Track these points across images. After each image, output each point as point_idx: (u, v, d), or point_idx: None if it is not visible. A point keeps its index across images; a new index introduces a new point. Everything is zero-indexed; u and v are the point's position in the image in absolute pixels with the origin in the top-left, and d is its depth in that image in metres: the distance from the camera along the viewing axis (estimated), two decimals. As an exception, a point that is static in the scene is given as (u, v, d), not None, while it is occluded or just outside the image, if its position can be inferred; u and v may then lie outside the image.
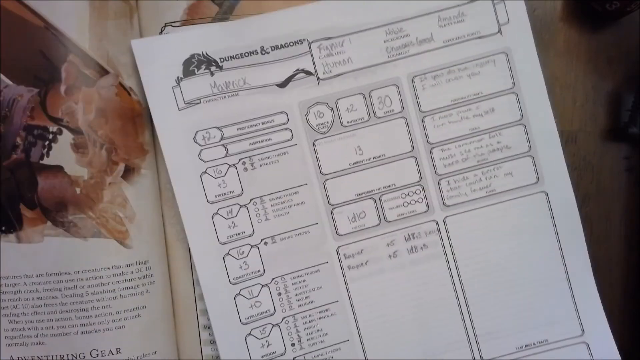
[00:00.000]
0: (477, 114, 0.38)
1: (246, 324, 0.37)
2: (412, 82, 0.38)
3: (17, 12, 0.35)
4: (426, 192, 0.38)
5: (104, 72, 0.36)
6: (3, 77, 0.35)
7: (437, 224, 0.39)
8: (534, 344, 0.39)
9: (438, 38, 0.38)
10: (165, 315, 0.38)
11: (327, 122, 0.38)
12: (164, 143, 0.37)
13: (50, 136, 0.35)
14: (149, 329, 0.37)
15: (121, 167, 0.36)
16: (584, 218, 0.40)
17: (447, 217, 0.39)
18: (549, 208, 0.39)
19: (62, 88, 0.35)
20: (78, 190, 0.36)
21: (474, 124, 0.38)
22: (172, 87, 0.36)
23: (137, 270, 0.37)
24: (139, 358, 0.36)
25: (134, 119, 0.37)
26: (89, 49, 0.36)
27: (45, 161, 0.35)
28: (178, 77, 0.36)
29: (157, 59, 0.36)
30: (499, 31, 0.38)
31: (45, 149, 0.35)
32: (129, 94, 0.37)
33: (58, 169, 0.36)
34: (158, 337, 0.37)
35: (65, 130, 0.36)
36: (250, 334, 0.37)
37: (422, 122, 0.38)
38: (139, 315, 0.36)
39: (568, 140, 0.41)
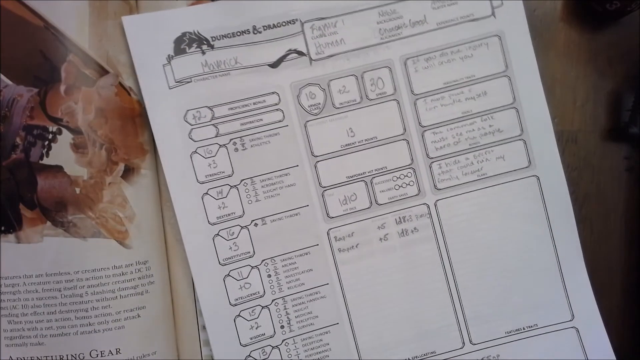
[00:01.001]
0: (469, 97, 0.38)
1: (235, 305, 0.37)
2: (405, 64, 0.38)
3: (17, 12, 0.35)
4: (417, 175, 0.38)
5: (103, 72, 0.36)
6: (3, 77, 0.35)
7: (428, 207, 0.39)
8: (524, 328, 0.39)
9: (431, 20, 0.38)
10: (165, 315, 0.37)
11: (319, 104, 0.38)
12: (154, 122, 0.36)
13: (50, 136, 0.35)
14: (148, 329, 0.37)
15: (121, 167, 0.36)
16: (584, 218, 0.40)
17: (438, 200, 0.39)
18: (540, 192, 0.39)
19: (62, 88, 0.35)
20: (78, 190, 0.36)
21: (466, 107, 0.38)
22: (163, 65, 0.36)
23: (137, 271, 0.36)
24: (138, 358, 0.36)
25: (134, 118, 0.37)
26: (89, 48, 0.36)
27: (45, 161, 0.35)
28: (169, 55, 0.36)
29: (149, 37, 0.36)
30: (493, 14, 0.38)
31: (45, 149, 0.35)
32: (129, 94, 0.36)
33: (58, 169, 0.35)
34: (158, 337, 0.37)
35: (65, 130, 0.35)
36: (239, 315, 0.37)
37: (414, 104, 0.38)
38: (139, 316, 0.36)
39: (568, 140, 0.41)
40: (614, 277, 0.41)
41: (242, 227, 0.37)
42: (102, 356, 0.36)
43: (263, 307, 0.37)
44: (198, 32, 0.36)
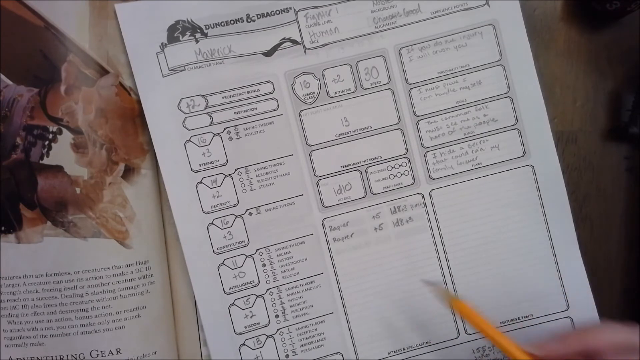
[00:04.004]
0: (463, 86, 0.38)
1: (230, 294, 0.37)
2: (399, 53, 0.38)
3: (17, 12, 0.35)
4: (412, 164, 0.38)
5: (104, 72, 0.36)
6: (3, 77, 0.35)
7: (423, 196, 0.38)
8: (519, 318, 0.39)
9: (425, 9, 0.38)
10: (165, 315, 0.37)
11: (314, 93, 0.38)
12: (147, 110, 0.36)
13: (50, 136, 0.35)
14: (148, 329, 0.36)
15: (121, 167, 0.36)
16: (584, 218, 0.40)
17: (432, 190, 0.38)
18: (535, 181, 0.39)
19: (62, 88, 0.35)
20: (78, 190, 0.36)
21: (461, 97, 0.38)
22: (157, 53, 0.36)
23: (137, 271, 0.36)
24: (139, 358, 0.36)
25: (134, 119, 0.37)
26: (89, 48, 0.36)
27: (45, 161, 0.35)
28: (162, 43, 0.36)
29: (142, 25, 0.36)
30: (487, 3, 0.38)
31: (45, 149, 0.35)
32: (129, 94, 0.36)
33: (58, 169, 0.35)
34: (158, 337, 0.37)
35: (65, 130, 0.35)
36: (233, 304, 0.37)
37: (409, 94, 0.38)
38: (139, 316, 0.36)
39: (568, 140, 0.41)
40: (614, 277, 0.41)
41: (236, 216, 0.37)
42: (102, 356, 0.36)
43: (258, 296, 0.37)
44: (191, 20, 0.36)
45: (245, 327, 0.37)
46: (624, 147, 0.41)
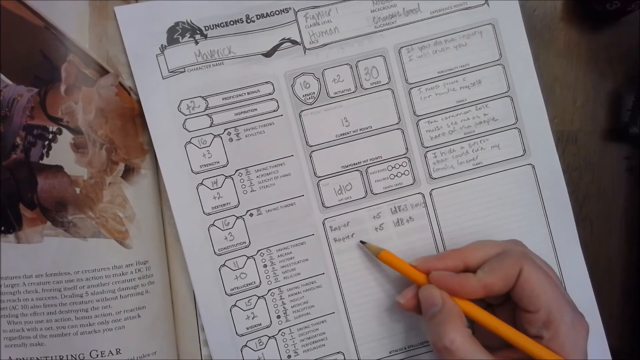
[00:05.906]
0: (463, 85, 0.38)
1: (231, 295, 0.37)
2: (399, 53, 0.38)
3: (17, 12, 0.35)
4: (412, 164, 0.38)
5: (104, 72, 0.36)
6: (3, 77, 0.35)
7: (423, 196, 0.38)
8: (520, 317, 0.39)
9: (425, 9, 0.38)
10: (165, 315, 0.37)
11: (314, 93, 0.38)
12: (148, 112, 0.36)
13: (50, 136, 0.35)
14: (148, 329, 0.36)
15: (121, 167, 0.36)
16: (584, 218, 0.40)
17: (433, 189, 0.39)
18: (535, 181, 0.39)
19: (62, 88, 0.35)
20: (78, 190, 0.36)
21: (461, 96, 0.38)
22: (156, 55, 0.36)
23: (137, 271, 0.36)
24: (138, 358, 0.36)
25: (134, 118, 0.37)
26: (89, 48, 0.36)
27: (45, 161, 0.35)
28: (162, 45, 0.36)
29: (142, 27, 0.36)
30: (486, 2, 0.38)
31: (45, 149, 0.35)
32: (129, 94, 0.36)
33: (58, 168, 0.35)
34: (158, 337, 0.37)
35: (65, 130, 0.35)
36: (235, 305, 0.37)
37: (409, 93, 0.38)
38: (139, 316, 0.36)
39: (568, 140, 0.41)
40: (614, 277, 0.42)
41: (237, 217, 0.37)
42: (102, 356, 0.35)
43: (259, 297, 0.37)
44: (191, 22, 0.36)
45: (247, 329, 0.37)
46: (624, 147, 0.41)
